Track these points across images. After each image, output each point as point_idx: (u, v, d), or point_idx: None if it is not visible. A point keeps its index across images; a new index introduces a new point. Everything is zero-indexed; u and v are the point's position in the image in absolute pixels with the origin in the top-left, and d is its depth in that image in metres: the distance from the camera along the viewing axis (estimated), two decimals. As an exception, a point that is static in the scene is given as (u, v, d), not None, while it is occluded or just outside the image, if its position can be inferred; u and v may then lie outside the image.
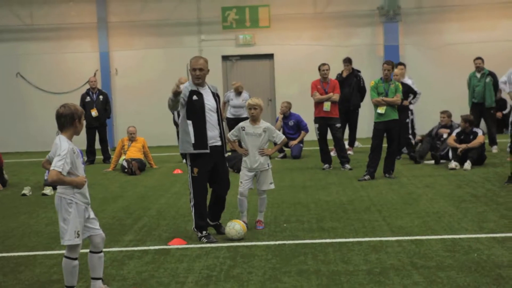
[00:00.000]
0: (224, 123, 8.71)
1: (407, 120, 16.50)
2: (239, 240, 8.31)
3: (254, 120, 9.00)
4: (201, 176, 8.38)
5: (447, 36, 21.64)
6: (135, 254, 7.92)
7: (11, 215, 10.84)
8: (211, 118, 8.36)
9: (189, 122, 8.33)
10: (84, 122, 6.34)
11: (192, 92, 8.33)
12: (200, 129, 8.29)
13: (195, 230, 8.51)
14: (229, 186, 8.73)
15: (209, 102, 8.39)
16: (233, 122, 16.01)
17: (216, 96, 8.52)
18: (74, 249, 6.12)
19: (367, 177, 12.79)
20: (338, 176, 13.45)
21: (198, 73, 8.35)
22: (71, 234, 6.03)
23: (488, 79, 16.04)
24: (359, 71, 17.19)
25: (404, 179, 12.78)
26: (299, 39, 21.86)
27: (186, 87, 8.41)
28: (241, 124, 9.10)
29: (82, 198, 6.12)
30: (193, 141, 8.30)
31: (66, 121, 6.11)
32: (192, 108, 8.31)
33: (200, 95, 8.34)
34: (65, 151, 5.95)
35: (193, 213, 8.50)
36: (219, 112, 8.49)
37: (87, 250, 6.37)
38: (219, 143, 8.44)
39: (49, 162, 6.21)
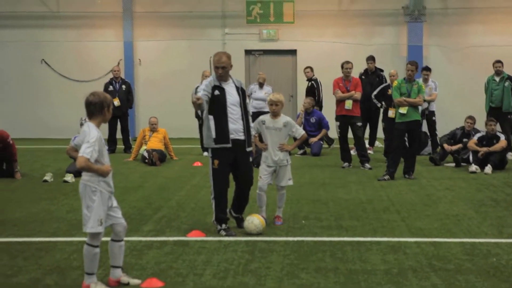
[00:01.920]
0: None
1: (434, 118, 16.49)
2: (258, 235, 8.34)
3: (275, 115, 9.02)
4: (222, 168, 8.40)
5: (472, 38, 21.52)
6: (154, 245, 7.98)
7: (33, 201, 10.94)
8: (233, 112, 8.35)
9: (211, 117, 8.34)
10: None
11: (214, 88, 8.33)
12: (221, 124, 8.29)
13: (215, 222, 8.55)
14: (251, 181, 8.73)
15: (232, 96, 8.37)
16: (255, 116, 15.93)
17: (240, 90, 8.50)
18: (96, 236, 6.18)
19: (386, 177, 12.78)
20: (358, 175, 13.45)
21: (221, 71, 8.35)
22: (94, 221, 6.10)
23: (507, 83, 15.90)
24: (382, 70, 17.17)
25: (424, 180, 12.76)
26: (322, 36, 21.82)
27: (209, 82, 8.40)
28: (261, 117, 9.10)
29: (107, 187, 6.19)
30: (214, 136, 8.32)
31: (95, 108, 6.18)
32: (214, 103, 8.31)
33: (222, 90, 8.33)
34: (94, 138, 6.01)
35: (213, 206, 8.54)
36: (243, 106, 8.46)
37: (108, 238, 6.43)
38: (242, 137, 8.43)
39: (75, 149, 6.28)
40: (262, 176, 8.98)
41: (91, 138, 6.02)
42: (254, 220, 8.45)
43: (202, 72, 17.42)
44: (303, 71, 18.30)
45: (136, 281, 6.46)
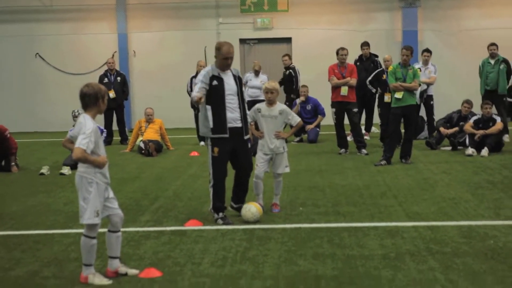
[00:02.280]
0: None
1: (432, 103, 16.48)
2: (255, 222, 8.35)
3: (271, 103, 9.01)
4: (221, 156, 8.39)
5: (466, 22, 21.50)
6: (151, 235, 7.99)
7: (30, 194, 10.94)
8: (231, 102, 8.35)
9: (208, 107, 8.31)
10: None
11: (212, 78, 8.31)
12: (219, 114, 8.29)
13: (212, 211, 8.55)
14: (251, 168, 8.74)
15: (230, 86, 8.36)
16: (250, 104, 15.93)
17: (237, 79, 8.50)
18: (93, 228, 6.18)
19: (383, 162, 12.78)
20: (354, 161, 13.45)
21: (230, 61, 8.40)
22: (90, 213, 6.10)
23: (502, 66, 15.86)
24: (376, 56, 17.15)
25: (420, 164, 12.76)
26: (317, 24, 21.79)
27: (207, 72, 8.37)
28: (257, 105, 9.09)
29: (103, 178, 6.18)
30: (211, 126, 8.31)
31: (90, 100, 6.17)
32: (211, 93, 8.29)
33: (220, 80, 8.32)
34: (90, 129, 6.01)
35: (211, 194, 8.52)
36: (240, 95, 8.46)
37: (105, 229, 6.43)
38: (239, 125, 8.42)
39: (70, 141, 6.27)
40: (259, 164, 8.98)
41: (87, 129, 6.01)
42: (251, 208, 8.45)
43: (197, 62, 17.44)
44: (281, 58, 18.19)
45: (134, 271, 6.46)
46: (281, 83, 17.33)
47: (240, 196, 8.80)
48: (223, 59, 8.34)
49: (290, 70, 17.74)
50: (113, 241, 6.36)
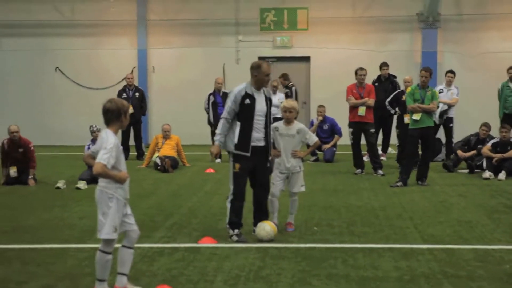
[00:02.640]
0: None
1: (451, 125, 16.43)
2: (269, 241, 8.32)
3: (289, 122, 9.02)
4: (242, 172, 8.46)
5: (486, 44, 21.44)
6: (165, 251, 7.98)
7: (45, 207, 10.98)
8: (258, 122, 8.45)
9: (238, 123, 8.43)
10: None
11: (245, 96, 8.43)
12: (245, 132, 8.39)
13: (228, 227, 8.57)
14: (268, 187, 8.78)
15: (260, 106, 8.48)
16: None
17: (268, 100, 8.61)
18: (110, 243, 6.19)
19: (399, 183, 12.72)
20: (370, 182, 13.40)
21: (267, 79, 8.56)
22: (109, 228, 6.12)
23: (521, 89, 15.81)
24: (395, 77, 17.12)
25: (437, 187, 12.69)
26: (336, 43, 21.82)
27: (240, 90, 8.48)
28: (274, 124, 9.06)
29: (123, 194, 6.21)
30: (235, 142, 8.41)
31: (113, 115, 6.21)
32: (243, 111, 8.41)
33: (253, 99, 8.44)
34: (111, 144, 6.04)
35: (228, 209, 8.56)
36: (268, 116, 8.57)
37: (117, 245, 6.41)
38: (263, 144, 8.50)
39: (92, 156, 6.29)
40: (275, 182, 8.99)
41: (109, 144, 6.04)
42: (265, 227, 8.43)
43: (215, 80, 17.51)
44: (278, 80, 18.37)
45: None
46: None
47: (260, 219, 8.71)
48: (265, 76, 8.50)
49: (287, 90, 17.87)
50: (127, 257, 6.35)
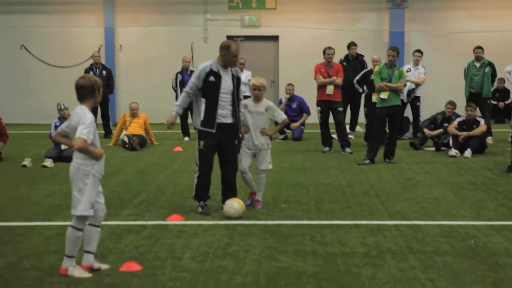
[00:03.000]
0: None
1: (418, 104, 16.55)
2: (237, 218, 8.33)
3: (257, 99, 9.03)
4: (207, 149, 8.52)
5: (453, 24, 21.59)
6: (133, 229, 7.95)
7: (11, 185, 10.87)
8: (223, 99, 8.51)
9: (203, 100, 8.50)
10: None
11: (210, 73, 8.48)
12: (210, 109, 8.46)
13: (194, 199, 8.78)
14: (235, 165, 8.81)
15: (226, 85, 8.52)
16: None
17: (235, 79, 8.63)
18: (83, 220, 6.17)
19: (367, 161, 12.81)
20: (338, 159, 13.47)
21: (236, 60, 8.66)
22: (85, 205, 6.09)
23: (487, 69, 15.89)
24: (363, 56, 17.15)
25: (403, 164, 12.80)
26: (304, 22, 21.79)
27: (204, 67, 8.54)
28: (244, 101, 9.07)
29: (99, 170, 6.21)
30: (202, 119, 8.49)
31: (87, 91, 6.19)
32: (207, 88, 8.47)
33: (218, 77, 8.50)
34: (89, 120, 6.03)
35: (195, 184, 8.70)
36: (236, 94, 8.59)
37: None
38: (229, 121, 8.56)
39: (62, 134, 6.23)
40: (242, 158, 9.05)
41: (87, 120, 6.02)
42: (234, 204, 8.44)
43: (183, 58, 17.40)
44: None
45: (106, 266, 6.41)
46: None
47: (228, 197, 8.74)
48: (233, 57, 8.55)
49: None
50: (94, 235, 6.30)
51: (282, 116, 9.16)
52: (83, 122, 6.00)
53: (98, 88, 6.23)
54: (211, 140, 8.51)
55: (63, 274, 6.18)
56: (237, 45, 8.62)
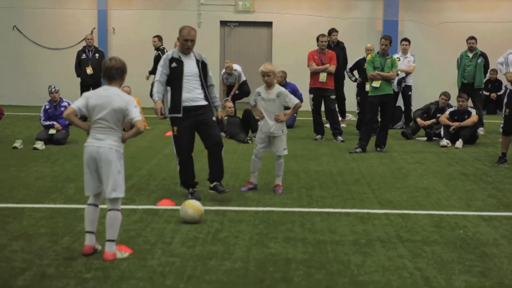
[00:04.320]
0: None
1: (410, 93, 16.55)
2: (195, 223, 7.68)
3: (269, 86, 9.14)
4: (181, 134, 8.56)
5: (447, 14, 21.58)
6: (123, 213, 7.83)
7: (1, 167, 10.84)
8: (189, 83, 8.54)
9: (168, 88, 8.61)
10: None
11: (172, 60, 8.57)
12: (175, 95, 8.54)
13: (182, 186, 8.85)
14: (218, 142, 8.73)
15: (189, 69, 8.57)
16: (231, 88, 17.08)
17: (200, 63, 8.65)
18: (120, 201, 6.32)
19: (358, 149, 12.83)
20: (330, 148, 13.48)
21: (190, 44, 8.56)
22: (124, 186, 6.27)
23: (479, 60, 15.90)
24: (342, 42, 16.77)
25: (395, 154, 12.82)
26: (298, 9, 21.73)
27: (167, 56, 8.63)
28: (257, 89, 9.31)
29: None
30: (169, 106, 8.61)
31: (117, 73, 6.26)
32: (171, 75, 8.56)
33: (180, 62, 8.56)
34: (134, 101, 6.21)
35: (178, 171, 8.77)
36: (203, 77, 8.63)
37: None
38: (202, 103, 8.58)
39: (75, 114, 6.20)
40: (257, 143, 9.27)
41: (133, 101, 6.20)
42: (188, 211, 7.63)
43: (174, 43, 17.34)
44: (152, 39, 18.57)
45: (99, 247, 6.44)
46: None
47: (214, 174, 8.76)
48: (184, 41, 8.54)
49: (159, 52, 18.18)
50: (97, 216, 6.42)
51: (294, 101, 9.24)
52: (135, 105, 6.19)
53: (126, 70, 6.34)
54: (183, 125, 8.53)
55: (111, 259, 6.18)
56: (190, 29, 8.58)
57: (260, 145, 9.24)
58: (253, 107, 9.45)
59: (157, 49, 18.39)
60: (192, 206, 7.63)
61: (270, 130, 9.15)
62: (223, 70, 17.76)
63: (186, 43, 8.52)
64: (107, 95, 6.19)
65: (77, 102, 6.28)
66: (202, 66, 8.66)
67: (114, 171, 6.15)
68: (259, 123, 9.35)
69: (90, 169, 6.22)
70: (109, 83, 6.27)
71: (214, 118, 8.73)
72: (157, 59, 18.00)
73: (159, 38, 18.53)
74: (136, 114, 6.16)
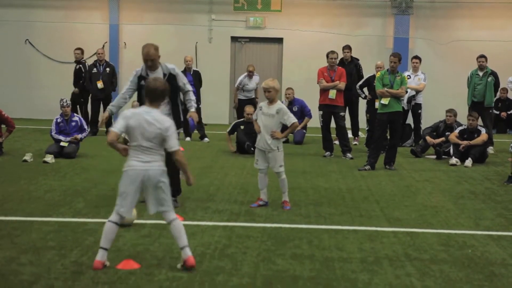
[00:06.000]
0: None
1: (420, 111, 16.55)
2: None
3: (270, 101, 9.19)
4: None
5: (458, 32, 21.57)
6: (131, 227, 7.96)
7: (11, 180, 10.89)
8: None
9: (138, 104, 8.91)
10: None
11: (140, 77, 8.90)
12: None
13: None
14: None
15: None
16: (246, 102, 16.94)
17: (167, 77, 8.82)
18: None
19: (367, 167, 12.82)
20: (339, 165, 13.47)
21: (150, 63, 8.81)
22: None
23: (490, 79, 15.87)
24: (358, 59, 16.89)
25: (404, 171, 12.81)
26: (309, 25, 21.78)
27: (136, 72, 8.98)
28: (260, 103, 9.42)
29: None
30: None
31: (161, 95, 6.41)
32: (140, 92, 8.78)
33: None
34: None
35: None
36: (173, 91, 8.67)
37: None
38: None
39: (118, 136, 6.34)
40: (256, 157, 9.32)
41: (173, 126, 6.34)
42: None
43: (184, 58, 17.47)
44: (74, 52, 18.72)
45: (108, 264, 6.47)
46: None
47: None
48: (144, 61, 8.85)
49: (80, 66, 18.34)
50: (114, 235, 6.47)
51: (291, 120, 9.19)
52: (174, 130, 6.33)
53: (168, 92, 6.54)
54: None
55: (192, 265, 6.29)
56: (148, 48, 8.79)
57: (259, 160, 9.28)
58: (254, 121, 9.48)
59: (78, 62, 18.39)
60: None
61: (264, 145, 9.16)
62: (243, 75, 17.71)
63: (146, 62, 8.82)
64: (148, 118, 6.28)
65: (117, 124, 6.31)
66: (170, 79, 8.80)
67: (164, 191, 6.31)
68: (257, 137, 9.35)
69: (135, 191, 6.30)
70: (150, 104, 6.36)
71: None
72: (78, 73, 18.25)
73: (82, 50, 18.58)
74: (174, 143, 6.29)
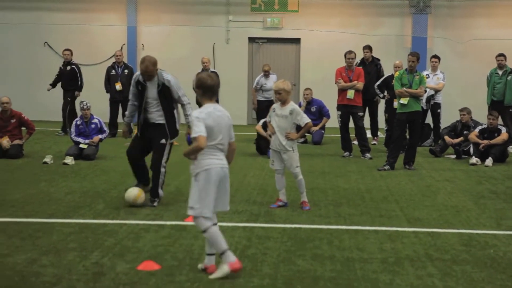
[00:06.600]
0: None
1: (439, 111, 16.47)
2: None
3: (282, 102, 9.17)
4: (131, 146, 9.83)
5: (476, 31, 21.42)
6: (151, 228, 7.99)
7: (32, 182, 10.95)
8: (149, 105, 9.36)
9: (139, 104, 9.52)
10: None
11: (138, 83, 9.39)
12: (140, 114, 9.50)
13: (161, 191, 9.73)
14: (157, 161, 9.60)
15: (151, 94, 9.31)
16: (267, 103, 16.65)
17: (161, 87, 9.25)
18: None
19: (386, 167, 12.77)
20: (358, 165, 13.43)
21: (146, 77, 9.24)
22: None
23: (509, 77, 15.76)
24: (378, 59, 16.88)
25: (423, 171, 12.74)
26: (326, 25, 21.74)
27: (136, 76, 9.44)
28: (273, 105, 9.46)
29: None
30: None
31: (218, 89, 6.53)
32: (138, 95, 9.46)
33: (144, 87, 9.33)
34: None
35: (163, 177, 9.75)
36: (163, 99, 9.28)
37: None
38: (156, 122, 9.39)
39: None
40: (272, 158, 9.39)
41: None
42: (133, 190, 9.32)
43: (201, 59, 17.51)
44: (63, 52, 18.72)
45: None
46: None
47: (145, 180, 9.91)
48: (141, 73, 9.28)
49: (73, 66, 18.36)
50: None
51: (305, 120, 9.18)
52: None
53: None
54: (140, 138, 9.64)
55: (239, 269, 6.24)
56: (146, 65, 9.12)
57: (275, 161, 9.32)
58: (268, 123, 9.50)
59: (68, 63, 18.36)
60: (138, 192, 9.22)
61: (279, 147, 9.18)
62: (260, 75, 17.64)
63: (144, 75, 9.24)
64: (220, 115, 6.34)
65: (198, 128, 6.12)
66: (164, 90, 9.24)
67: (228, 188, 6.42)
68: (272, 138, 9.40)
69: (216, 190, 6.25)
70: (211, 100, 6.35)
71: (163, 141, 9.44)
72: (68, 74, 18.24)
73: (71, 51, 18.53)
74: (233, 134, 6.45)
